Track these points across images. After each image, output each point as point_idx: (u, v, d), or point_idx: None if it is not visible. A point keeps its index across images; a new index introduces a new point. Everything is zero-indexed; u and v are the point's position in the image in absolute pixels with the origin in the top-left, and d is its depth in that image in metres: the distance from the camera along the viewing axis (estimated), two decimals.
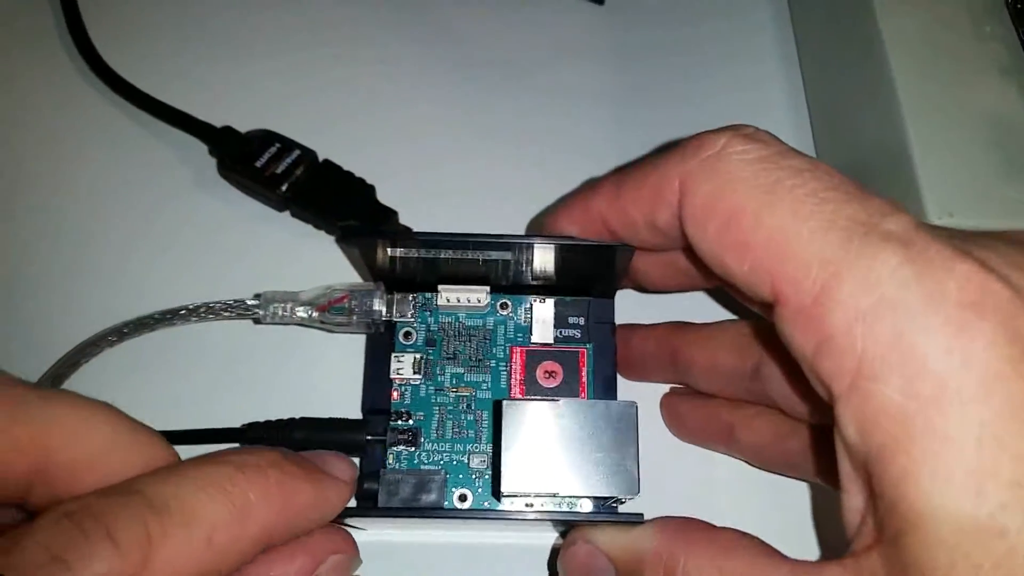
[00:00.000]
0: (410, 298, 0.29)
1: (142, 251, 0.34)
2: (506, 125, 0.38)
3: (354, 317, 0.29)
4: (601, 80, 0.39)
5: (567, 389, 0.28)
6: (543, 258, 0.26)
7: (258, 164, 0.34)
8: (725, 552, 0.21)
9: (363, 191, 0.34)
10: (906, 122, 0.29)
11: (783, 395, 0.25)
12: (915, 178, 0.28)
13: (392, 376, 0.28)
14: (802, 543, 0.30)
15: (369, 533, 0.25)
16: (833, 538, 0.29)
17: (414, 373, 0.28)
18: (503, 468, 0.23)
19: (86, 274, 0.34)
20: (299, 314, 0.30)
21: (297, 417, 0.28)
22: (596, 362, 0.28)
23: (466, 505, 0.26)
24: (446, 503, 0.26)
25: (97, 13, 0.39)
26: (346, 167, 0.35)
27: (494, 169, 0.37)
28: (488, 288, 0.29)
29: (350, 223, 0.32)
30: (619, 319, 0.29)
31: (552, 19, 0.41)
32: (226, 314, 0.30)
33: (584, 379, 0.28)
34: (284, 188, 0.34)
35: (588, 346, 0.29)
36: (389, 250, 0.26)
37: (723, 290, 0.24)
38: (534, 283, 0.29)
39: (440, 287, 0.29)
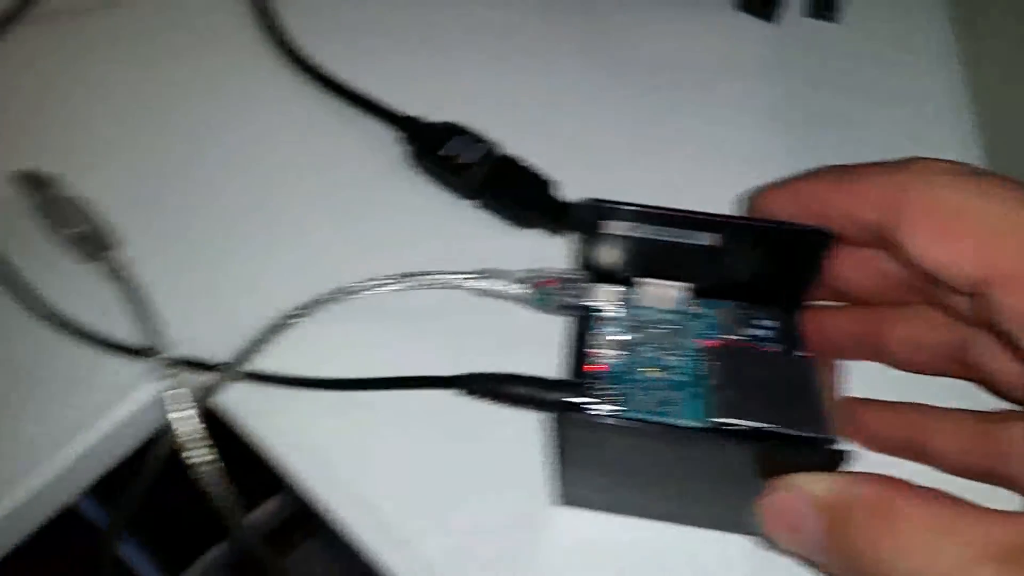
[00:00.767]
0: (612, 288, 0.31)
1: (333, 222, 0.36)
2: (675, 135, 0.39)
3: (562, 299, 0.31)
4: (766, 96, 0.40)
5: None
6: (744, 245, 0.27)
7: (445, 154, 0.36)
8: (936, 498, 0.21)
9: (542, 185, 0.36)
10: None
11: (1001, 369, 0.26)
12: None
13: (593, 350, 0.29)
14: None
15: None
16: None
17: (615, 350, 0.29)
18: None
19: (288, 246, 0.36)
20: (513, 291, 0.31)
21: (508, 372, 0.29)
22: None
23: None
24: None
25: (296, 6, 0.42)
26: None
27: (662, 176, 0.38)
28: (683, 285, 0.30)
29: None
30: None
31: (722, 34, 0.42)
32: (455, 283, 0.32)
33: None
34: (468, 177, 0.36)
35: (780, 346, 0.29)
36: (609, 223, 0.27)
37: None
38: (728, 282, 0.30)
39: (638, 280, 0.30)
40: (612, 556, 0.29)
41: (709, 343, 0.29)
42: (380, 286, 0.32)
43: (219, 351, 0.32)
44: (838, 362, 0.30)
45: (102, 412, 0.31)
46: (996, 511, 0.20)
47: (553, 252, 0.35)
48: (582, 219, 0.28)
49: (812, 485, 0.23)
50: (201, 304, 0.34)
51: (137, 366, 0.32)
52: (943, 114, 0.40)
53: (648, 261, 0.30)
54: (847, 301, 0.30)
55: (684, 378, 0.29)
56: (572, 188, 0.36)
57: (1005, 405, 0.27)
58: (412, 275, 0.32)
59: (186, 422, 0.31)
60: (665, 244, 0.28)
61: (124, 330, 0.32)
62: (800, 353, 0.26)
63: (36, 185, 0.35)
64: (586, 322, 0.30)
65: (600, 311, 0.30)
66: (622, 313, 0.30)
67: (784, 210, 0.27)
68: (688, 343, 0.30)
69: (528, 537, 0.29)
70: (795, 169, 0.37)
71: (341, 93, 0.39)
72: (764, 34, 0.42)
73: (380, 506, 0.30)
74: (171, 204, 0.36)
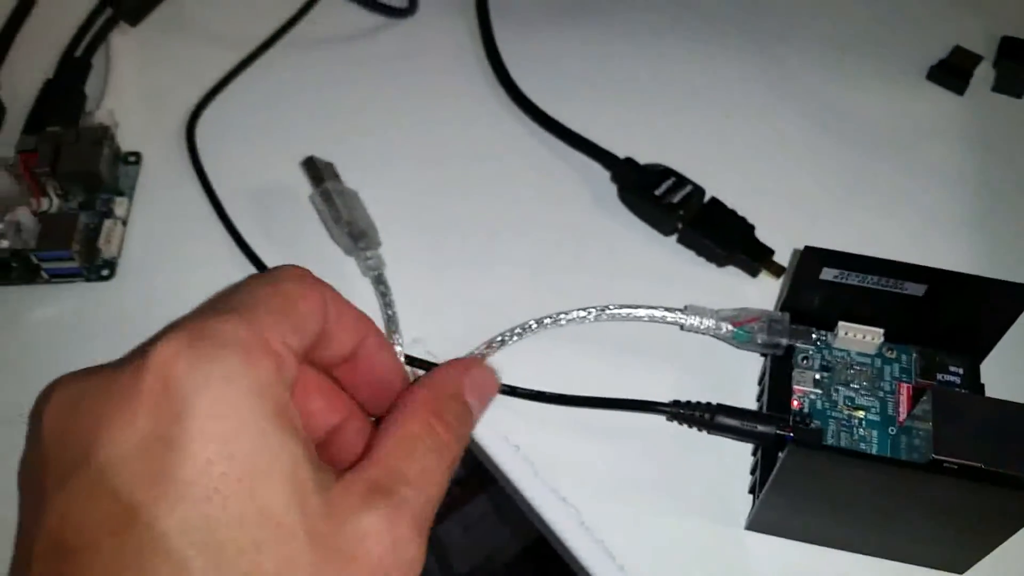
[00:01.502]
0: (812, 331, 0.35)
1: (543, 247, 0.41)
2: (867, 190, 0.43)
3: (763, 337, 0.35)
4: (955, 162, 0.44)
5: None
6: (946, 295, 0.31)
7: (657, 193, 0.41)
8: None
9: (745, 228, 0.40)
10: None
11: None
12: None
13: (795, 387, 0.33)
14: None
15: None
16: None
17: (814, 388, 0.33)
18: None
19: (508, 269, 0.41)
20: (713, 327, 0.35)
21: (715, 403, 0.34)
22: None
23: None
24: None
25: (520, 51, 0.47)
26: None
27: (853, 228, 0.41)
28: (879, 330, 0.34)
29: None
30: None
31: (914, 101, 0.46)
32: (659, 317, 0.36)
33: None
34: (678, 216, 0.40)
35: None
36: (823, 268, 0.31)
37: None
38: (921, 328, 0.33)
39: (840, 323, 0.34)
40: None
41: (906, 386, 0.33)
42: (591, 315, 0.36)
43: (440, 357, 0.37)
44: None
45: None
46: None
47: (748, 290, 0.39)
48: (797, 264, 0.32)
49: None
50: (430, 313, 0.39)
51: None
52: None
53: (847, 305, 0.33)
54: None
55: (877, 418, 0.32)
56: (769, 232, 0.40)
57: None
58: (623, 307, 0.36)
59: None
60: (869, 291, 0.32)
61: None
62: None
63: (320, 172, 0.41)
64: (787, 361, 0.34)
65: (800, 351, 0.34)
66: (821, 354, 0.34)
67: None
68: (883, 385, 0.33)
69: (719, 555, 0.33)
70: (974, 237, 0.40)
71: (565, 136, 0.44)
72: (954, 105, 0.46)
73: (583, 511, 0.34)
74: (418, 221, 0.42)
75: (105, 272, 0.40)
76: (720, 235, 0.40)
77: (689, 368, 0.37)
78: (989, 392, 0.33)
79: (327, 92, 0.47)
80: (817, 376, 0.34)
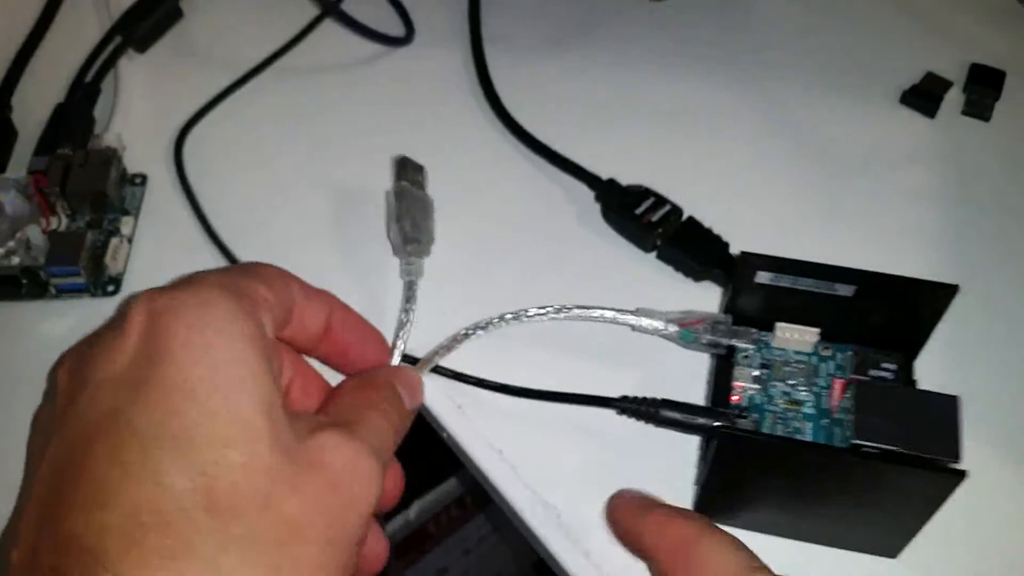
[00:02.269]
0: (752, 331, 0.37)
1: (531, 261, 0.43)
2: (837, 209, 0.45)
3: (707, 338, 0.37)
4: (922, 182, 0.46)
5: None
6: (875, 295, 0.34)
7: (637, 212, 0.43)
8: None
9: (720, 246, 0.42)
10: None
11: None
12: None
13: (734, 383, 0.35)
14: None
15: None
16: None
17: (752, 384, 0.35)
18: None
19: (490, 274, 0.43)
20: (662, 328, 0.38)
21: (660, 398, 0.36)
22: None
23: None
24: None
25: (511, 77, 0.49)
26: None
27: (824, 245, 0.43)
28: (815, 330, 0.36)
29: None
30: None
31: (886, 124, 0.48)
32: (611, 318, 0.38)
33: None
34: (657, 234, 0.42)
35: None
36: (763, 273, 0.34)
37: None
38: (854, 328, 0.35)
39: (778, 324, 0.36)
40: None
41: (840, 381, 0.35)
42: (550, 313, 0.38)
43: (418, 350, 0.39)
44: None
45: None
46: None
47: (720, 302, 0.41)
48: (736, 268, 0.35)
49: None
50: (419, 323, 0.40)
51: None
52: None
53: (786, 307, 0.36)
54: None
55: (812, 411, 0.35)
56: (743, 249, 0.41)
57: None
58: (579, 307, 0.39)
59: None
60: (804, 293, 0.34)
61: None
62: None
63: (404, 172, 0.43)
64: (729, 359, 0.36)
65: (741, 350, 0.36)
66: (761, 352, 0.36)
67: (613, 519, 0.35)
68: (819, 381, 0.35)
69: None
70: (942, 253, 0.42)
71: (553, 158, 0.46)
72: (925, 128, 0.47)
73: (547, 497, 0.36)
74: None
75: (111, 288, 0.42)
76: (696, 251, 0.42)
77: (642, 366, 0.40)
78: (922, 387, 0.35)
79: (325, 114, 0.49)
80: (756, 373, 0.36)
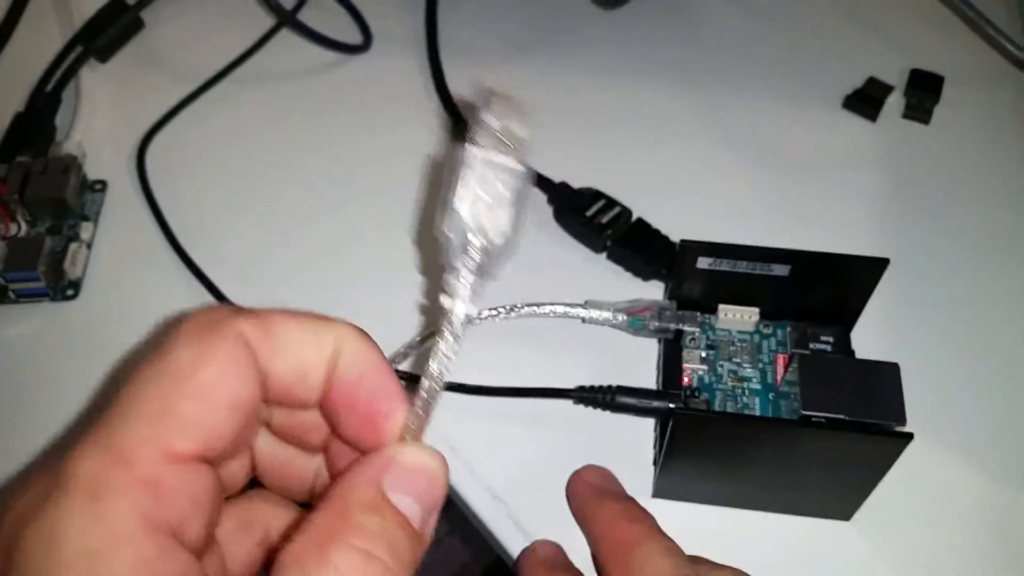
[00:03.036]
0: (696, 315, 0.38)
1: None
2: (781, 209, 0.46)
3: (655, 324, 0.38)
4: (863, 183, 0.47)
5: None
6: (809, 274, 0.35)
7: (588, 214, 0.44)
8: None
9: (668, 246, 0.43)
10: None
11: None
12: None
13: (684, 366, 0.37)
14: None
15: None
16: None
17: (701, 364, 0.37)
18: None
19: (437, 278, 0.44)
20: (611, 318, 0.39)
21: (615, 385, 0.37)
22: None
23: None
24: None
25: (466, 83, 0.51)
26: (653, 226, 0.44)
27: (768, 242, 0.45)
28: (755, 310, 0.37)
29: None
30: None
31: (829, 127, 0.49)
32: (561, 312, 0.40)
33: None
34: (607, 235, 0.43)
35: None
36: (703, 259, 0.35)
37: None
38: (793, 306, 0.37)
39: (720, 306, 0.38)
40: (701, 536, 0.35)
41: (782, 357, 0.37)
42: (502, 314, 0.40)
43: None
44: None
45: None
46: None
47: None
48: (677, 255, 0.36)
49: None
50: (373, 320, 0.41)
51: None
52: (1018, 207, 0.46)
53: (726, 290, 0.37)
54: None
55: (759, 387, 0.36)
56: None
57: None
58: (529, 305, 0.40)
59: None
60: (742, 275, 0.36)
61: None
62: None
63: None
64: (677, 343, 0.37)
65: (688, 334, 0.38)
66: (706, 335, 0.38)
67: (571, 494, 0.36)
68: (762, 357, 0.37)
69: None
70: (879, 241, 0.43)
71: None
72: (867, 131, 0.49)
73: (502, 493, 0.37)
74: (366, 240, 0.45)
75: (70, 292, 0.43)
76: (645, 251, 0.43)
77: (595, 357, 0.41)
78: (860, 357, 0.37)
79: (283, 121, 0.50)
80: (703, 354, 0.37)
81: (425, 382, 0.23)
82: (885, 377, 0.32)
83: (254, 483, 0.26)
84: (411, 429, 0.23)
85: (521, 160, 0.23)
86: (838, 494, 0.35)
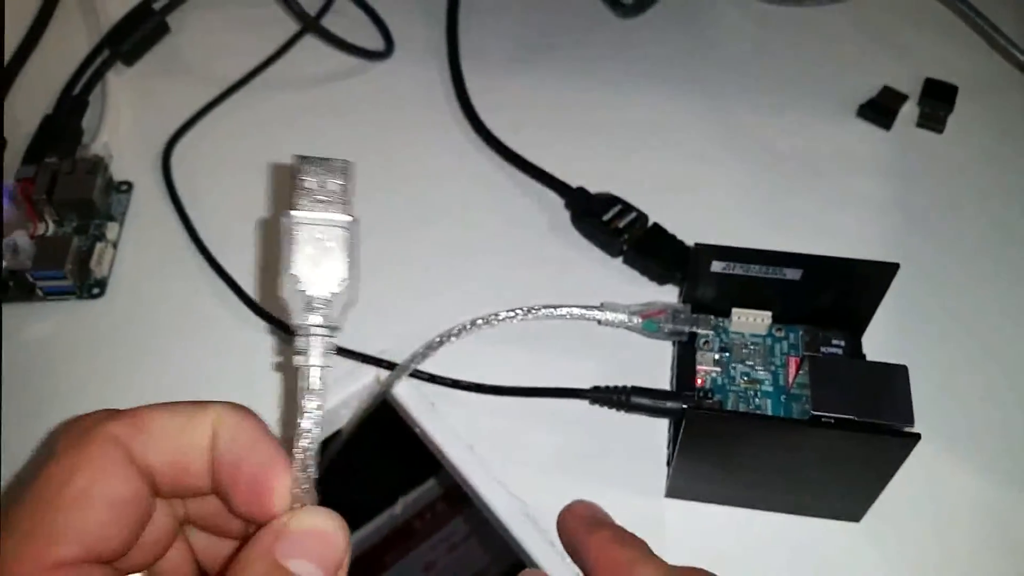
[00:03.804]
0: (710, 318, 0.39)
1: (505, 266, 0.45)
2: (794, 215, 0.47)
3: (669, 327, 0.39)
4: (875, 190, 0.48)
5: None
6: (820, 278, 0.36)
7: (605, 218, 0.45)
8: None
9: (683, 251, 0.44)
10: None
11: None
12: None
13: (698, 367, 0.37)
14: None
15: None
16: None
17: (714, 367, 0.37)
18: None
19: (458, 279, 0.45)
20: (626, 320, 0.40)
21: (630, 386, 0.38)
22: None
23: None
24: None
25: (486, 90, 0.51)
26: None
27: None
28: (767, 313, 0.38)
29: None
30: None
31: (843, 136, 0.50)
32: (578, 314, 0.40)
33: None
34: (623, 239, 0.44)
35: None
36: (717, 263, 0.36)
37: None
38: (804, 310, 0.38)
39: (734, 310, 0.38)
40: (712, 536, 0.37)
41: (794, 359, 0.37)
42: (519, 315, 0.40)
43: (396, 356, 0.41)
44: None
45: None
46: None
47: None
48: (691, 259, 0.37)
49: None
50: (395, 323, 0.42)
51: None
52: None
53: (740, 294, 0.38)
54: None
55: (771, 389, 0.37)
56: None
57: None
58: (546, 306, 0.40)
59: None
60: (755, 279, 0.37)
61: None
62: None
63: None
64: (691, 345, 0.38)
65: (701, 336, 0.38)
66: (720, 337, 0.38)
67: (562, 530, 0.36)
68: (774, 360, 0.38)
69: (643, 521, 0.36)
70: (891, 247, 0.44)
71: (525, 167, 0.48)
72: (881, 139, 0.50)
73: (519, 491, 0.38)
74: (387, 243, 0.45)
75: (96, 291, 0.44)
76: (660, 256, 0.44)
77: (610, 358, 0.42)
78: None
79: (306, 126, 0.51)
80: (717, 356, 0.38)
81: (300, 442, 0.23)
82: (894, 379, 0.33)
83: None
84: (299, 494, 0.23)
85: (344, 211, 0.25)
86: (848, 495, 0.35)
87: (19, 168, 0.47)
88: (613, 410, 0.39)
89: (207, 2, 0.56)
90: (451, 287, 0.44)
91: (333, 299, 0.24)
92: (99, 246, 0.45)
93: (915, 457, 0.32)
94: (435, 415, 0.40)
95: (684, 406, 0.36)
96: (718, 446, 0.34)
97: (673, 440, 0.37)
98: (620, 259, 0.45)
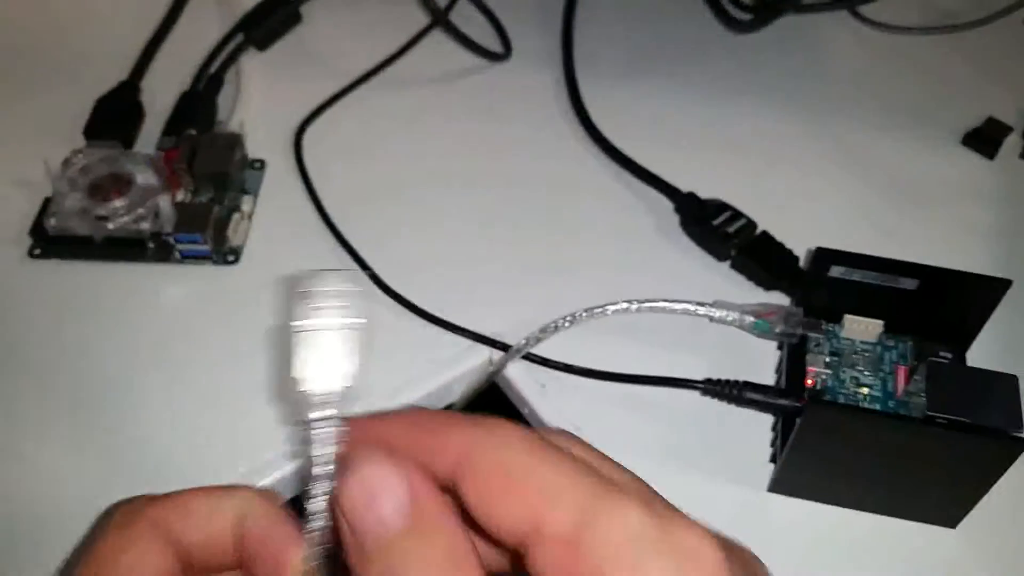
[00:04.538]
0: (822, 323, 0.40)
1: (613, 264, 0.47)
2: (900, 237, 0.48)
3: (780, 327, 0.41)
4: (986, 220, 0.49)
5: None
6: (935, 289, 0.38)
7: (714, 223, 0.46)
8: None
9: (791, 259, 0.45)
10: None
11: None
12: None
13: (808, 368, 0.39)
14: None
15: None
16: None
17: (824, 369, 0.39)
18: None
19: (567, 273, 0.47)
20: (739, 319, 0.42)
21: (742, 380, 0.40)
22: None
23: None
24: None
25: (599, 95, 0.54)
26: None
27: None
28: (882, 323, 0.39)
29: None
30: None
31: (947, 163, 0.52)
32: (692, 310, 0.42)
33: None
34: (732, 244, 0.46)
35: None
36: (836, 268, 0.38)
37: None
38: (914, 320, 0.39)
39: (846, 316, 0.40)
40: (810, 531, 0.38)
41: (903, 368, 0.39)
42: (634, 306, 0.42)
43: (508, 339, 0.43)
44: None
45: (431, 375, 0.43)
46: None
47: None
48: (810, 262, 0.39)
49: None
50: (512, 311, 0.45)
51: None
52: None
53: (853, 301, 0.40)
54: None
55: (879, 395, 0.38)
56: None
57: None
58: (664, 300, 0.42)
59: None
60: (870, 287, 0.38)
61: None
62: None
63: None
64: (801, 347, 0.40)
65: (812, 339, 0.40)
66: (830, 342, 0.40)
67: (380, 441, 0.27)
68: (883, 367, 0.39)
69: (746, 513, 0.39)
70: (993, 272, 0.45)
71: (636, 171, 0.50)
72: (985, 169, 0.51)
73: None
74: (502, 239, 0.48)
75: (231, 258, 0.47)
76: (769, 262, 0.45)
77: (712, 355, 0.43)
78: None
79: (428, 119, 0.54)
80: (827, 360, 0.39)
81: (311, 522, 0.25)
82: (1004, 388, 0.34)
83: None
84: (311, 568, 0.26)
85: (352, 314, 0.25)
86: (948, 499, 0.37)
87: (160, 139, 0.50)
88: (717, 402, 0.41)
89: None
90: (560, 279, 0.46)
91: (344, 391, 0.25)
92: (235, 216, 0.47)
93: (1016, 468, 0.33)
94: (545, 397, 0.42)
95: (799, 403, 0.37)
96: (830, 443, 0.35)
97: (782, 436, 0.39)
98: (727, 263, 0.47)
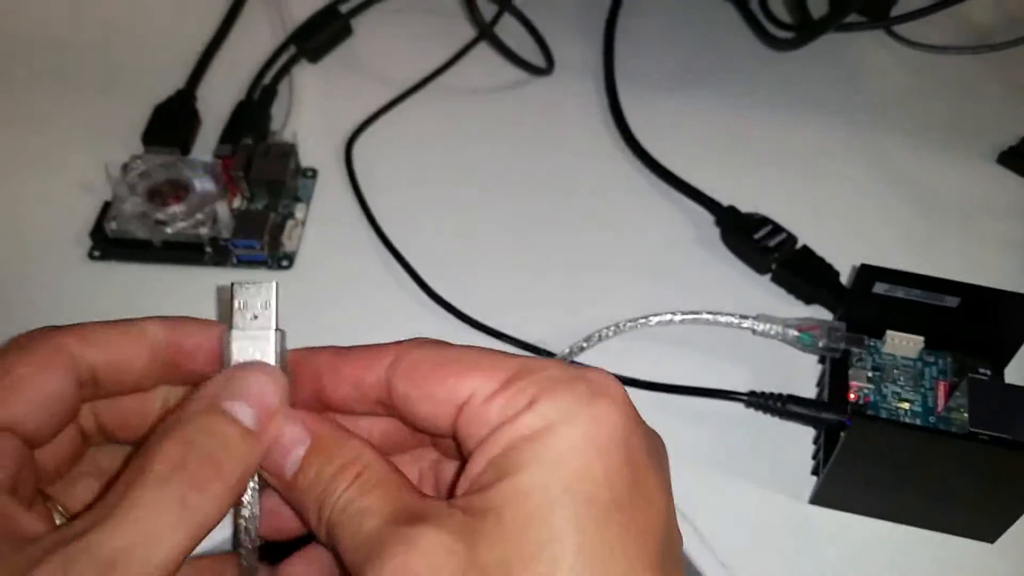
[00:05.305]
0: (864, 338, 0.41)
1: (654, 275, 0.48)
2: (934, 254, 0.49)
3: (823, 341, 0.42)
4: (1014, 237, 0.50)
5: None
6: (975, 307, 0.39)
7: (755, 237, 0.48)
8: None
9: (831, 273, 0.46)
10: None
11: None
12: None
13: (851, 383, 0.40)
14: None
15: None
16: None
17: (867, 384, 0.40)
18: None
19: (607, 285, 0.48)
20: (782, 332, 0.43)
21: (786, 393, 0.40)
22: None
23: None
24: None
25: (640, 110, 0.55)
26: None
27: None
28: (923, 339, 0.40)
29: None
30: None
31: (981, 181, 0.53)
32: (735, 323, 0.43)
33: None
34: (773, 258, 0.47)
35: None
36: (880, 284, 0.39)
37: None
38: (952, 337, 0.40)
39: (888, 332, 0.41)
40: (850, 543, 0.39)
41: (943, 384, 0.40)
42: (678, 317, 0.43)
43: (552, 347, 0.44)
44: None
45: None
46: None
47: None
48: (854, 279, 0.40)
49: None
50: (553, 319, 0.46)
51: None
52: None
53: (895, 317, 0.41)
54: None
55: (920, 410, 0.39)
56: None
57: None
58: (705, 311, 0.43)
59: None
60: (912, 303, 0.39)
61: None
62: None
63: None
64: (844, 362, 0.41)
65: (855, 354, 0.41)
66: (872, 357, 0.41)
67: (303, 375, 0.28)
68: (924, 383, 0.40)
69: (786, 524, 0.39)
70: None
71: (677, 184, 0.51)
72: (1019, 186, 0.52)
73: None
74: (544, 249, 0.49)
75: (285, 262, 0.48)
76: (809, 276, 0.46)
77: (753, 367, 0.44)
78: None
79: (474, 131, 0.55)
80: (869, 375, 0.41)
81: (242, 513, 0.27)
82: None
83: None
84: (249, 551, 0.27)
85: (271, 325, 0.28)
86: (987, 514, 0.38)
87: (217, 146, 0.51)
88: (759, 414, 0.42)
89: (388, 7, 0.61)
90: (601, 290, 0.48)
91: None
92: (290, 223, 0.49)
93: None
94: None
95: (843, 417, 0.38)
96: (872, 457, 0.36)
97: (825, 449, 0.40)
98: (768, 276, 0.48)
